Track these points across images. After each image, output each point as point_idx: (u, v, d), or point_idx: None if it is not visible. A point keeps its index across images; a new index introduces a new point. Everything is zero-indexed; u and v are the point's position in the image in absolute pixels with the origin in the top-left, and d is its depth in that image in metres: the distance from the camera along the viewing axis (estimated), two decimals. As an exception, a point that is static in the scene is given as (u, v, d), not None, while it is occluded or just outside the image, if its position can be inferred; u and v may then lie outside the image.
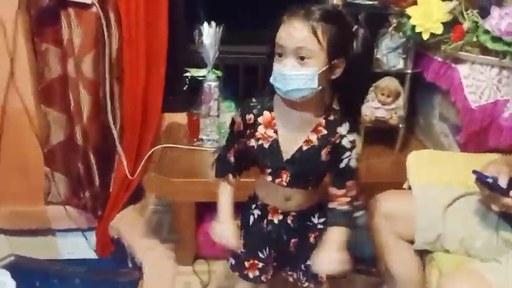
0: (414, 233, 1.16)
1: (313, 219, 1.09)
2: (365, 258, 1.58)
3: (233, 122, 1.06)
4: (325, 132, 0.99)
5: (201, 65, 1.70)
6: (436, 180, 1.25)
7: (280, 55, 0.93)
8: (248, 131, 1.03)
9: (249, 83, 1.95)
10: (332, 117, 1.00)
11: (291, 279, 1.18)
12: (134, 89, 1.72)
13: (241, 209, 1.15)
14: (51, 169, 1.87)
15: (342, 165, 1.01)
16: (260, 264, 1.13)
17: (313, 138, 0.99)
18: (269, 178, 1.04)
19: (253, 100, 1.03)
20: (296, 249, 1.11)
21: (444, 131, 1.50)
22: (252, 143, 1.02)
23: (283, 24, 0.92)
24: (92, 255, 1.98)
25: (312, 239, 1.10)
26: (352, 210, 1.05)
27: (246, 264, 1.14)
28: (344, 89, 0.98)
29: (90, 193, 1.87)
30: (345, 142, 1.00)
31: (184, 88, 1.69)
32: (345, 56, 0.94)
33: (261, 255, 1.12)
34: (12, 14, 1.64)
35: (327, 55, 0.91)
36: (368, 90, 1.58)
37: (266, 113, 1.01)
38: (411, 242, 1.17)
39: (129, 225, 1.81)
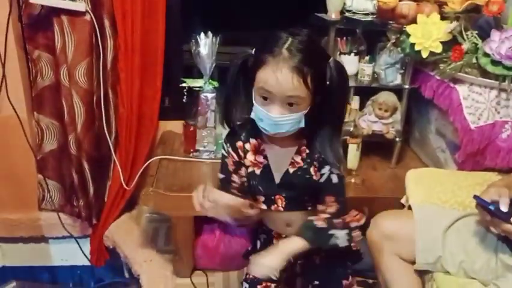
0: (414, 254, 1.18)
1: None
2: (363, 270, 1.61)
3: (223, 165, 1.05)
4: (307, 151, 1.00)
5: (195, 72, 1.70)
6: (435, 199, 1.28)
7: (265, 98, 0.91)
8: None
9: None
10: (313, 136, 0.99)
11: None
12: (130, 99, 1.70)
13: (249, 234, 1.15)
14: (44, 176, 1.85)
15: (322, 179, 1.00)
16: (272, 286, 1.14)
17: (298, 159, 1.00)
18: (263, 206, 1.04)
19: (236, 128, 1.04)
20: (302, 270, 1.12)
21: (441, 146, 1.53)
22: (242, 171, 1.03)
23: (267, 67, 0.89)
24: (86, 262, 1.97)
25: (318, 261, 1.11)
26: (326, 228, 0.99)
27: (259, 287, 1.14)
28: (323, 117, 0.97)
29: (84, 201, 1.84)
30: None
31: (184, 100, 1.67)
32: (323, 89, 0.94)
33: (272, 277, 1.12)
34: (4, 20, 1.60)
35: (313, 96, 0.92)
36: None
37: (252, 140, 1.02)
38: (412, 262, 1.20)
39: (125, 234, 1.80)
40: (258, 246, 1.13)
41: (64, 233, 1.92)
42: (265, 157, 1.01)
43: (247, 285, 1.16)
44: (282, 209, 1.03)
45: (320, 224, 1.00)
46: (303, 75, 0.88)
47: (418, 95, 1.55)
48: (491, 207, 1.02)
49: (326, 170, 1.00)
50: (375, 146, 1.68)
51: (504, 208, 1.01)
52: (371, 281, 1.59)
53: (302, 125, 0.94)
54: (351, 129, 1.59)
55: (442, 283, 1.16)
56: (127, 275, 1.76)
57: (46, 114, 1.78)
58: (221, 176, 1.07)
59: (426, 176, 1.37)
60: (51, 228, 1.92)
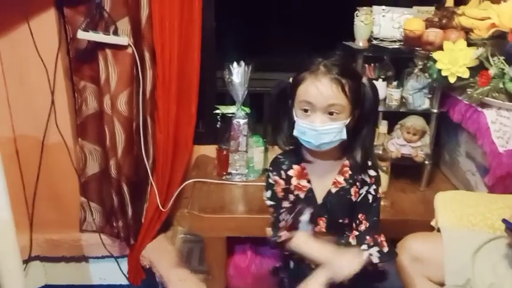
0: (443, 276, 1.19)
1: None
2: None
3: (272, 190, 1.10)
4: (350, 172, 1.05)
5: (228, 99, 1.79)
6: (465, 222, 1.29)
7: (306, 111, 0.98)
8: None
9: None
10: (354, 157, 1.05)
11: None
12: (167, 125, 1.79)
13: (281, 256, 1.21)
14: (86, 199, 1.96)
15: (359, 198, 1.06)
16: None
17: (341, 179, 1.06)
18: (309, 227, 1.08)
19: (280, 157, 1.10)
20: None
21: (471, 169, 1.53)
22: (290, 197, 1.08)
23: (306, 81, 0.97)
24: (124, 281, 2.05)
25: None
26: (357, 244, 1.05)
27: None
28: (359, 133, 1.03)
29: (123, 222, 1.93)
30: (365, 176, 1.06)
31: (218, 125, 1.75)
32: (360, 105, 1.00)
33: None
34: (53, 54, 1.74)
35: (351, 107, 0.98)
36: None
37: (295, 166, 1.07)
38: (441, 284, 1.20)
39: (160, 254, 1.87)
40: (292, 265, 1.16)
41: (103, 252, 2.01)
42: (309, 181, 1.07)
43: None
44: (324, 230, 1.07)
45: (351, 240, 1.06)
46: (342, 85, 0.95)
47: (448, 118, 1.58)
48: (520, 230, 1.03)
49: (364, 190, 1.06)
50: (405, 169, 1.70)
51: None
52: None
53: (344, 136, 0.98)
54: (380, 152, 1.62)
55: (473, 306, 1.16)
56: (162, 294, 1.83)
57: (89, 140, 1.90)
58: (270, 202, 1.11)
59: (455, 198, 1.38)
60: (92, 248, 2.02)
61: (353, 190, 1.06)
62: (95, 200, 1.97)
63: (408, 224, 1.47)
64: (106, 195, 1.94)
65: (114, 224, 1.96)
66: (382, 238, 1.08)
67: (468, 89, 1.42)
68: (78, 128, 1.89)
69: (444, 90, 1.56)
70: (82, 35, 1.67)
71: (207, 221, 1.53)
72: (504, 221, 1.07)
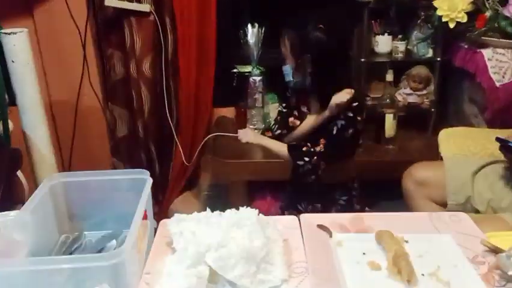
0: (445, 197, 1.30)
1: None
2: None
3: None
4: None
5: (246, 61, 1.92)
6: (465, 150, 1.40)
7: None
8: None
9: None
10: None
11: None
12: (188, 86, 1.93)
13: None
14: (117, 159, 2.12)
15: None
16: None
17: None
18: None
19: None
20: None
21: (474, 112, 1.64)
22: None
23: None
24: (152, 236, 2.20)
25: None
26: None
27: None
28: None
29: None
30: None
31: (234, 84, 1.89)
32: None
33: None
34: (83, 23, 1.89)
35: None
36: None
37: None
38: (443, 205, 1.32)
39: (186, 208, 2.02)
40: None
41: (133, 209, 2.17)
42: None
43: None
44: None
45: None
46: None
47: (450, 68, 1.68)
48: (511, 144, 1.14)
49: None
50: (414, 119, 1.80)
51: None
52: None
53: None
54: (388, 101, 1.74)
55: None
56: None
57: (118, 104, 2.05)
58: None
59: (457, 132, 1.49)
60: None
61: None
62: (124, 159, 2.12)
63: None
64: (135, 155, 2.09)
65: (143, 182, 2.12)
66: None
67: (467, 34, 1.52)
68: (107, 93, 2.05)
69: (446, 40, 1.67)
70: (109, 2, 1.82)
71: (229, 166, 1.68)
72: (498, 139, 1.18)
